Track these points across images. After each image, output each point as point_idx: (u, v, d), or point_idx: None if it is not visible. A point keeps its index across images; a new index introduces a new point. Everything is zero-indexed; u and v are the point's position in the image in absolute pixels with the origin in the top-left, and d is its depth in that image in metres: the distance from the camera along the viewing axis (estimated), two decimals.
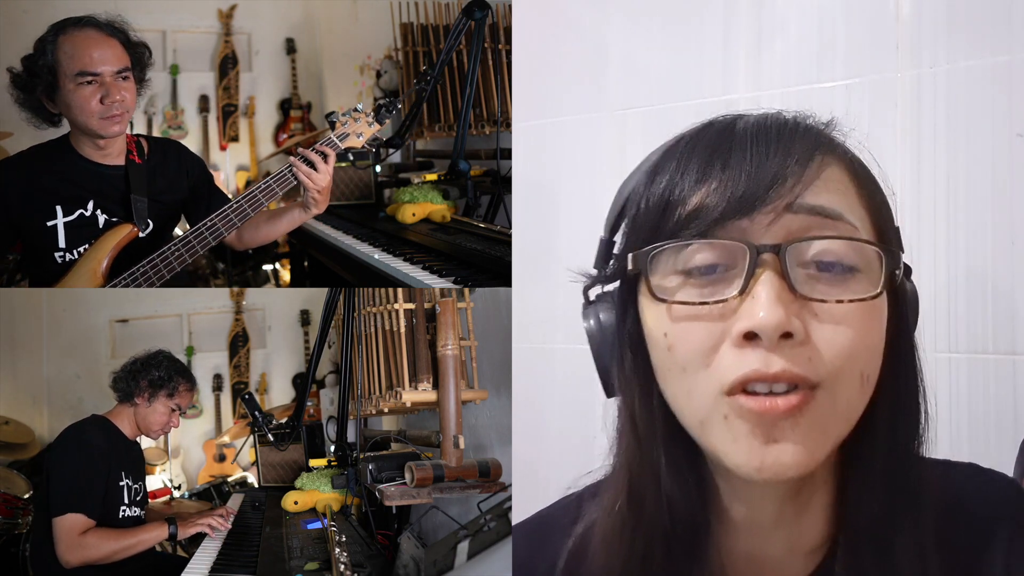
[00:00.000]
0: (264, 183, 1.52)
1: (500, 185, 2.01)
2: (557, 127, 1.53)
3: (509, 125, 1.67)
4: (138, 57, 1.50)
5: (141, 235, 1.52)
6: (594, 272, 0.70)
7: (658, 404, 0.63)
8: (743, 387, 0.57)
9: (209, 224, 1.49)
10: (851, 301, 0.57)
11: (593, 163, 1.48)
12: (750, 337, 0.56)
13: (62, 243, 1.48)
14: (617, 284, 0.67)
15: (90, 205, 1.50)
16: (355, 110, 1.60)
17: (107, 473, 1.82)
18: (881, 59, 1.24)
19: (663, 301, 0.60)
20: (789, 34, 1.32)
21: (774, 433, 0.57)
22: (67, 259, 1.49)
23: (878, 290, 0.58)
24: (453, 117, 2.20)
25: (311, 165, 1.51)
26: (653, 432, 0.64)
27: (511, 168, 1.58)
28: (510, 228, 1.57)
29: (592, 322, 0.67)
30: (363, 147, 1.61)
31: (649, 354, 0.63)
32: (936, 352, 1.18)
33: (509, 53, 2.10)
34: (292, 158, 1.53)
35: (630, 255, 0.62)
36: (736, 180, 0.58)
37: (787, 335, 0.56)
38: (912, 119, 1.22)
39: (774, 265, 0.57)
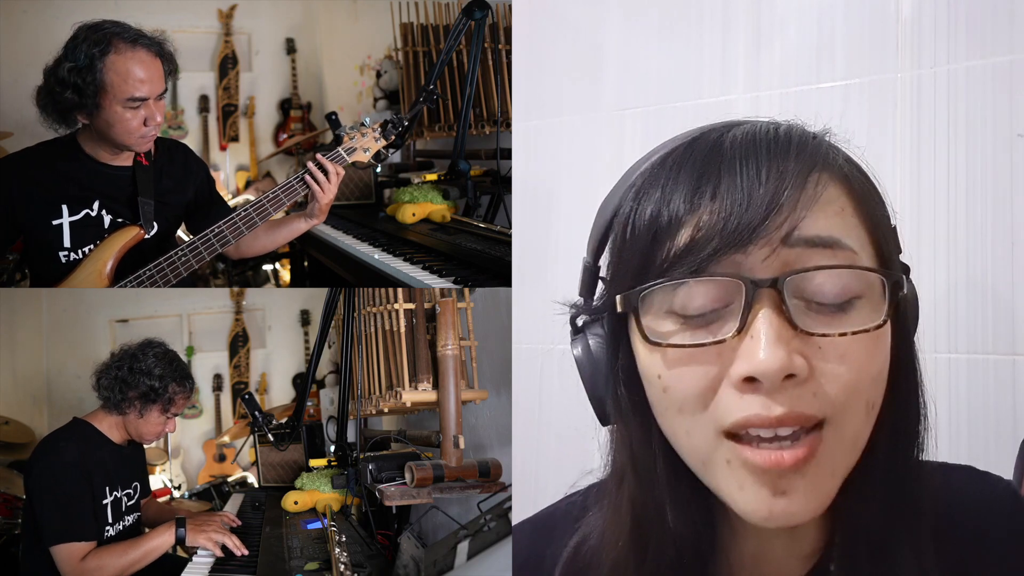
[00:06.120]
0: (272, 193, 1.54)
1: (500, 185, 2.01)
2: (557, 127, 1.53)
3: (509, 125, 1.67)
4: (170, 74, 1.47)
5: (147, 236, 1.51)
6: (580, 300, 0.67)
7: (658, 441, 0.61)
8: (744, 430, 0.55)
9: (216, 231, 1.49)
10: (854, 333, 0.55)
11: (593, 163, 1.48)
12: (750, 380, 0.54)
13: (67, 242, 1.46)
14: (605, 315, 0.64)
15: (96, 205, 1.49)
16: (362, 124, 1.62)
17: (91, 492, 1.69)
18: (881, 59, 1.24)
19: (657, 345, 0.57)
20: (788, 34, 1.32)
21: (782, 484, 0.55)
22: (71, 259, 1.47)
23: (882, 319, 0.55)
24: (453, 117, 2.20)
25: (324, 171, 1.54)
26: (654, 470, 0.62)
27: (511, 168, 1.58)
28: (510, 228, 1.57)
29: (580, 351, 0.65)
30: (368, 162, 1.64)
31: (643, 389, 0.61)
32: (936, 353, 1.18)
33: (509, 53, 2.10)
34: (310, 164, 1.55)
35: (618, 296, 0.59)
36: (728, 211, 0.54)
37: (790, 376, 0.53)
38: (912, 120, 1.21)
39: (772, 300, 0.54)
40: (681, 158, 0.59)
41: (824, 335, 0.54)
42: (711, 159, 0.58)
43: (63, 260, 1.47)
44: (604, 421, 0.66)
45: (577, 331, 0.66)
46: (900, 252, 0.62)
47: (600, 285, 0.66)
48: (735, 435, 0.56)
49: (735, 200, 0.55)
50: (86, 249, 1.48)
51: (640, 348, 0.60)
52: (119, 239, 1.49)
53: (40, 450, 1.74)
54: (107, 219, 1.50)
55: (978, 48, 1.18)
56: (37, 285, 1.56)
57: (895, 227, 0.63)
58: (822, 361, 0.54)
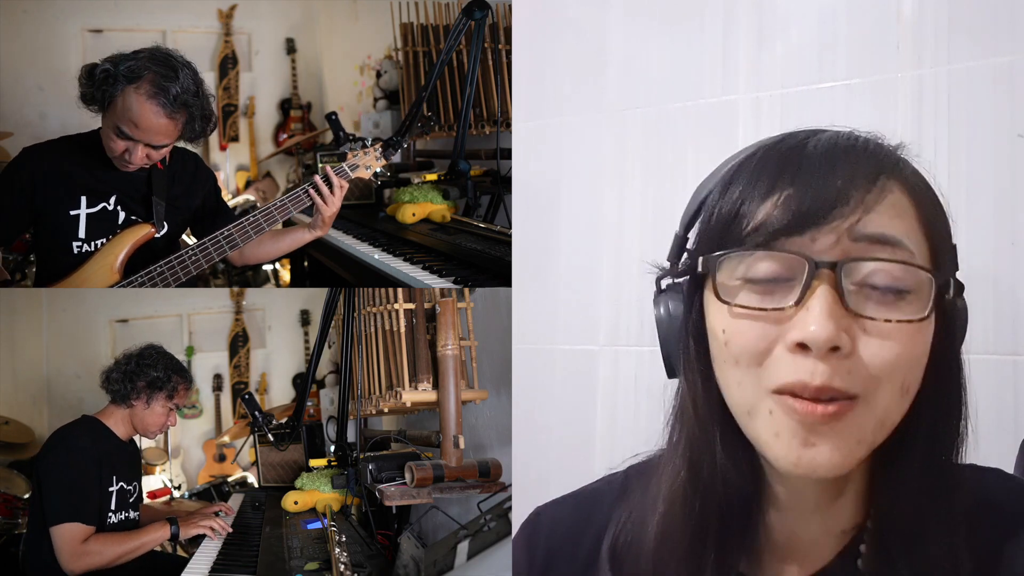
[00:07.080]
0: (279, 201, 1.60)
1: (500, 185, 2.01)
2: (557, 127, 1.53)
3: (509, 125, 1.67)
4: (191, 132, 1.50)
5: (157, 236, 1.57)
6: (667, 264, 0.75)
7: (715, 391, 0.68)
8: (789, 392, 0.62)
9: (226, 233, 1.55)
10: (899, 322, 0.61)
11: (593, 163, 1.48)
12: (802, 346, 0.61)
13: (82, 233, 1.51)
14: (686, 278, 0.72)
15: (112, 200, 1.54)
16: (364, 144, 1.70)
17: (99, 478, 1.80)
18: (882, 59, 1.24)
19: (726, 303, 0.65)
20: (790, 34, 1.32)
21: (812, 436, 0.62)
22: (84, 250, 1.52)
23: (925, 313, 0.62)
24: (453, 117, 2.20)
25: (328, 184, 1.60)
26: (711, 412, 0.68)
27: (511, 168, 1.58)
28: (510, 228, 1.57)
29: (662, 310, 0.73)
30: (369, 179, 1.72)
31: (708, 344, 0.68)
32: None
33: (509, 53, 2.10)
34: (316, 177, 1.61)
35: (700, 257, 0.67)
36: (802, 196, 0.62)
37: (835, 348, 0.60)
38: (913, 120, 1.21)
39: (830, 280, 0.61)
40: (767, 153, 0.67)
41: (871, 318, 0.61)
42: (793, 155, 0.65)
43: (75, 251, 1.51)
44: (671, 373, 0.73)
45: (660, 292, 0.75)
46: (957, 270, 0.67)
47: (685, 256, 0.74)
48: (780, 393, 0.63)
49: (809, 187, 0.62)
50: (99, 242, 1.53)
51: (711, 305, 0.67)
52: (132, 235, 1.54)
53: (53, 439, 1.85)
54: (121, 215, 1.55)
55: (979, 48, 1.18)
56: (45, 276, 1.58)
57: (955, 246, 0.68)
58: (866, 340, 0.61)
